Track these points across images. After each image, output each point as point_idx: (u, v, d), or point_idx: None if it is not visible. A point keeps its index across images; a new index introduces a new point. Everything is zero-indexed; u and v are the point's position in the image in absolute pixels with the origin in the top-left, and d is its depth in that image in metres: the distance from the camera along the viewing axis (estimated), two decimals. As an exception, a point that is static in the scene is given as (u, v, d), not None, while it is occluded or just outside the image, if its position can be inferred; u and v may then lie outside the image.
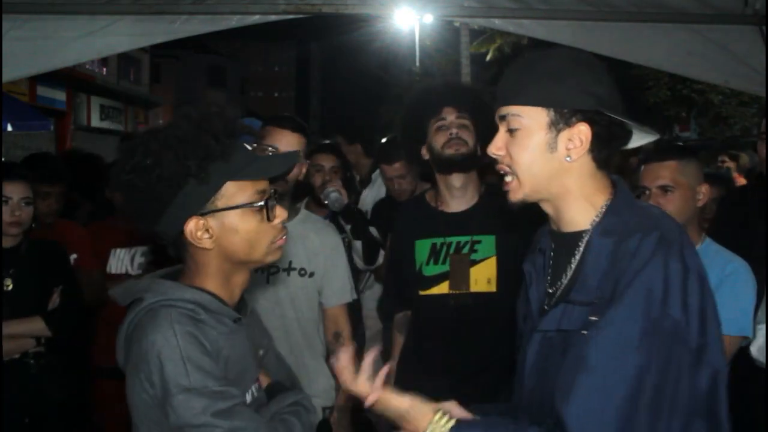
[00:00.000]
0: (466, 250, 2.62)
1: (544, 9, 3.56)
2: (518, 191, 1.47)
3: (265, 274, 2.63)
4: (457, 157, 2.59)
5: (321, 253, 2.70)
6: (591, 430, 1.26)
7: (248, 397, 1.58)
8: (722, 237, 2.49)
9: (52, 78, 13.82)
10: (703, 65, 3.68)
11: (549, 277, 1.52)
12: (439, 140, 2.63)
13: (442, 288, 2.63)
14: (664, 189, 2.33)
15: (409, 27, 19.62)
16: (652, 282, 1.29)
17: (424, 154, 2.71)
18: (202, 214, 1.47)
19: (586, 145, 1.42)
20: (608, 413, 1.26)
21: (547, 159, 1.43)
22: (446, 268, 2.63)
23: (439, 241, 2.67)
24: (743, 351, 2.36)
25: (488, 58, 18.41)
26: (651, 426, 1.26)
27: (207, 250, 1.51)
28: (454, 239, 2.65)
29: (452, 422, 1.37)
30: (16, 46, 3.38)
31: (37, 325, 2.88)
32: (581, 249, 1.44)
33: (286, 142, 2.59)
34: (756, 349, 2.33)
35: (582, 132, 1.41)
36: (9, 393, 2.79)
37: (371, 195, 4.47)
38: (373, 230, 3.68)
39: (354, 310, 3.10)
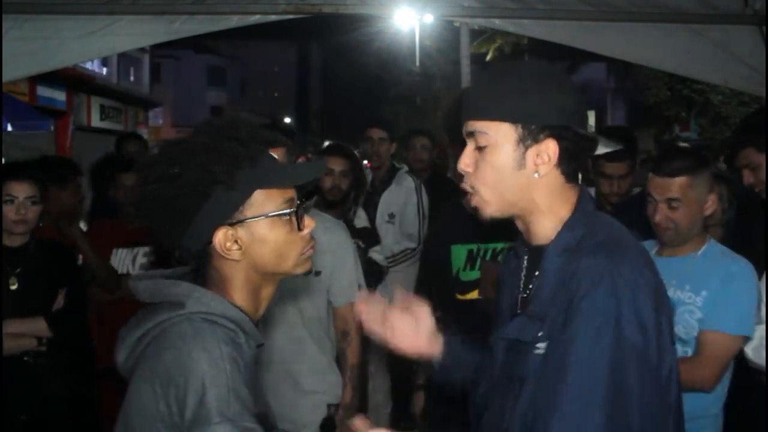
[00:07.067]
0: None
1: (544, 9, 3.56)
2: (486, 208, 1.47)
3: None
4: None
5: (328, 251, 2.68)
6: None
7: None
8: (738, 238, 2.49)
9: (52, 78, 13.77)
10: (703, 65, 3.69)
11: (522, 283, 1.52)
12: None
13: (477, 293, 2.67)
14: (671, 203, 2.30)
15: (409, 27, 19.51)
16: (602, 306, 1.28)
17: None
18: (231, 224, 1.39)
19: (554, 160, 1.41)
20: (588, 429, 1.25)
21: (515, 176, 1.42)
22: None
23: (475, 247, 2.68)
24: (743, 353, 2.36)
25: (488, 58, 18.41)
26: None
27: (235, 263, 1.41)
28: (491, 246, 2.67)
29: None
30: (16, 46, 3.39)
31: (38, 326, 2.89)
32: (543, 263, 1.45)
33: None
34: (751, 350, 2.32)
35: (550, 148, 1.40)
36: (6, 391, 2.79)
37: (391, 196, 4.33)
38: (376, 255, 3.67)
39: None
